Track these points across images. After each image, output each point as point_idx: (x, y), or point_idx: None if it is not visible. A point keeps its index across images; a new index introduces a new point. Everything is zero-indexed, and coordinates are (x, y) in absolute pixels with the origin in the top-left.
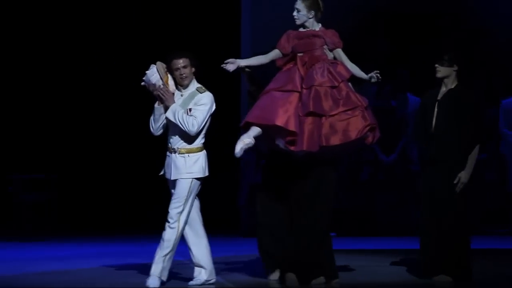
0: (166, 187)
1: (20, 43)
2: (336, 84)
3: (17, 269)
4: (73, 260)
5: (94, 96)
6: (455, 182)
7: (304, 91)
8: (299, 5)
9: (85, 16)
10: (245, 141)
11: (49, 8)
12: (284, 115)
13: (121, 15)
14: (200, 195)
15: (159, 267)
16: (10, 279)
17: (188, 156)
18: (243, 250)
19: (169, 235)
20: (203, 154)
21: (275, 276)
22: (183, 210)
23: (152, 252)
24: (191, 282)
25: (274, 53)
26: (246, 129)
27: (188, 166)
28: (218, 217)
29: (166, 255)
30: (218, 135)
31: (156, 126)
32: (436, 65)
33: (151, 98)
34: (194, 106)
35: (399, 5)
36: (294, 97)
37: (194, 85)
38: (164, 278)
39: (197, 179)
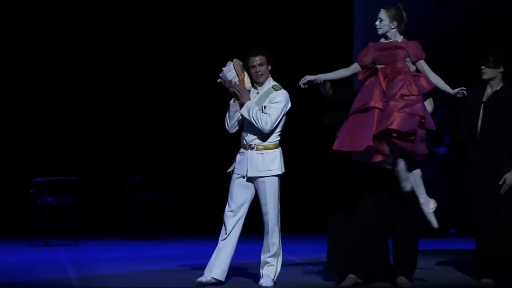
0: (227, 183)
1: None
2: (414, 94)
3: (132, 267)
4: (188, 259)
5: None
6: (500, 183)
7: (385, 104)
8: (382, 14)
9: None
10: (433, 207)
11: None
12: (370, 136)
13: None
14: (307, 195)
15: (271, 268)
16: (126, 277)
17: (266, 153)
18: None
19: (274, 239)
20: (279, 151)
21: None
22: (279, 210)
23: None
24: (198, 279)
25: (355, 67)
26: (339, 155)
27: (267, 163)
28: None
29: (274, 257)
30: (324, 131)
31: (231, 123)
32: (482, 67)
33: (227, 95)
34: (268, 103)
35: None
36: (377, 114)
37: (270, 83)
38: (275, 279)
39: (278, 176)
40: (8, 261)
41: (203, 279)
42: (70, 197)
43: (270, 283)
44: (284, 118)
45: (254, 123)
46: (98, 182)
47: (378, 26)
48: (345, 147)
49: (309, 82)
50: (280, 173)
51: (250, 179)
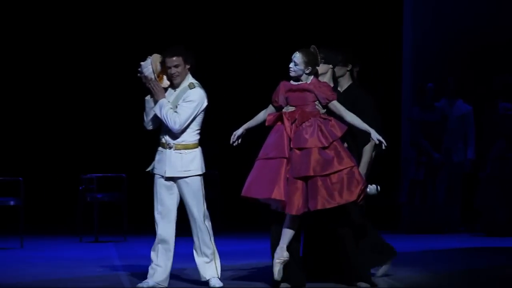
0: (151, 183)
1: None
2: (327, 144)
3: (181, 263)
4: (233, 256)
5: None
6: None
7: (296, 152)
8: (298, 59)
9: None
10: (282, 259)
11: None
12: (272, 187)
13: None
14: None
15: (213, 268)
16: (175, 272)
17: (185, 152)
18: (404, 247)
19: (205, 236)
20: (199, 151)
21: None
22: (205, 209)
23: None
24: (139, 284)
25: (270, 108)
26: (245, 199)
27: (186, 163)
28: (378, 213)
29: (211, 257)
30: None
31: (147, 119)
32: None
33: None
34: (181, 102)
35: None
36: (281, 163)
37: (188, 81)
38: (219, 276)
39: (199, 175)
40: (58, 257)
41: (144, 284)
42: (119, 194)
43: (219, 283)
44: (201, 116)
45: (164, 122)
46: (147, 179)
47: (292, 69)
48: (244, 193)
49: (239, 137)
50: (200, 173)
51: (171, 179)
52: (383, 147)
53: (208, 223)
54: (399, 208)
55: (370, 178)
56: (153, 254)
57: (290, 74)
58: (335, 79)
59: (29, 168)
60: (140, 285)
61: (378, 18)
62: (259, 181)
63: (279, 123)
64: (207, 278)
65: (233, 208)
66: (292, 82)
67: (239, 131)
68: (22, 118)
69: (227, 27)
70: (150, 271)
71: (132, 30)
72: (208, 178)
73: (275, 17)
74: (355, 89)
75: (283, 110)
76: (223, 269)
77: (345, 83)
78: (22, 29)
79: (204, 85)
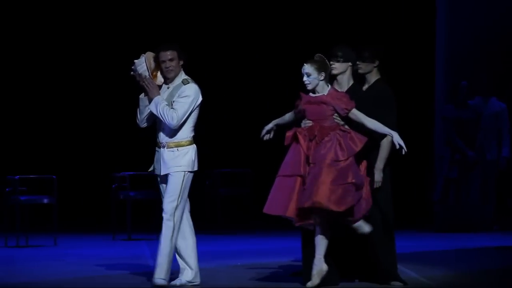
0: (156, 184)
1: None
2: (342, 159)
3: (214, 262)
4: (265, 254)
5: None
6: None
7: (313, 167)
8: (308, 69)
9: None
10: (322, 273)
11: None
12: (288, 205)
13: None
14: (391, 188)
15: (164, 267)
16: (208, 271)
17: (178, 150)
18: (437, 246)
19: (167, 232)
20: (192, 148)
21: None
22: (177, 205)
23: None
24: (173, 282)
25: (292, 114)
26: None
27: (177, 159)
28: (411, 212)
29: (167, 254)
30: (412, 127)
31: (141, 117)
32: (358, 62)
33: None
34: (177, 98)
35: None
36: (296, 180)
37: (181, 77)
38: (168, 278)
39: (188, 172)
40: (91, 255)
41: (176, 282)
42: (152, 192)
43: (158, 282)
44: (196, 112)
45: (161, 119)
46: None
47: (307, 82)
48: (266, 209)
49: (268, 131)
50: (189, 170)
51: (165, 177)
52: (403, 153)
53: (173, 221)
54: (432, 206)
55: (398, 175)
56: (177, 255)
57: (307, 87)
58: (354, 76)
59: (63, 166)
60: (173, 282)
61: (411, 16)
62: (277, 198)
63: (295, 142)
64: (154, 276)
65: None
66: (310, 94)
67: (269, 126)
68: (56, 117)
69: (227, 28)
70: (181, 269)
71: (140, 29)
72: (241, 176)
73: (282, 17)
74: (380, 85)
75: (301, 124)
76: (257, 267)
77: (372, 79)
78: (47, 29)
79: (205, 86)
